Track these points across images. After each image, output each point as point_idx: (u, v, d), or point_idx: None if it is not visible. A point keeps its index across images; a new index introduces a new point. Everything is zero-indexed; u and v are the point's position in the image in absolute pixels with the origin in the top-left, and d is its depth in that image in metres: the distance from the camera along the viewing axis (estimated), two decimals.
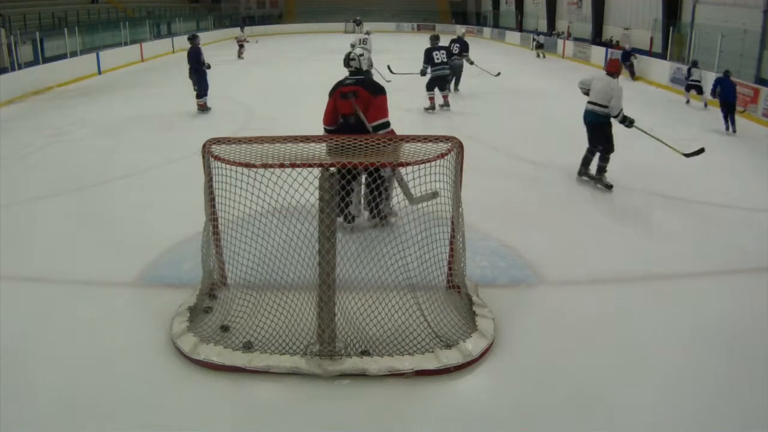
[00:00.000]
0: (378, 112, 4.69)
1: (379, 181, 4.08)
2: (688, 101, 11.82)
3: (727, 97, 9.35)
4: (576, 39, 21.97)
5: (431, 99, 10.03)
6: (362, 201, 5.02)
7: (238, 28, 24.25)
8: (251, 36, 24.26)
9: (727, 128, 9.30)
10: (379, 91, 4.76)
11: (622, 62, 14.31)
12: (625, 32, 20.42)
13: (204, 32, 27.91)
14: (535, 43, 21.65)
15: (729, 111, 9.32)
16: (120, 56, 17.86)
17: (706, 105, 11.30)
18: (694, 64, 11.69)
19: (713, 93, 9.75)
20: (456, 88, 11.90)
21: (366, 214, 4.99)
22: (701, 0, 15.46)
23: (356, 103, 4.64)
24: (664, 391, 3.05)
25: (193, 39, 9.92)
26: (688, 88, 11.69)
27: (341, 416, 2.89)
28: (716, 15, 14.41)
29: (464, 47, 11.61)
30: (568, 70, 17.49)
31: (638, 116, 6.19)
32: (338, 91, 4.73)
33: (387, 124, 4.74)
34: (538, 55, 21.20)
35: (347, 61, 4.95)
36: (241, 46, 20.09)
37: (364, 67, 4.96)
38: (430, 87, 9.95)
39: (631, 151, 7.94)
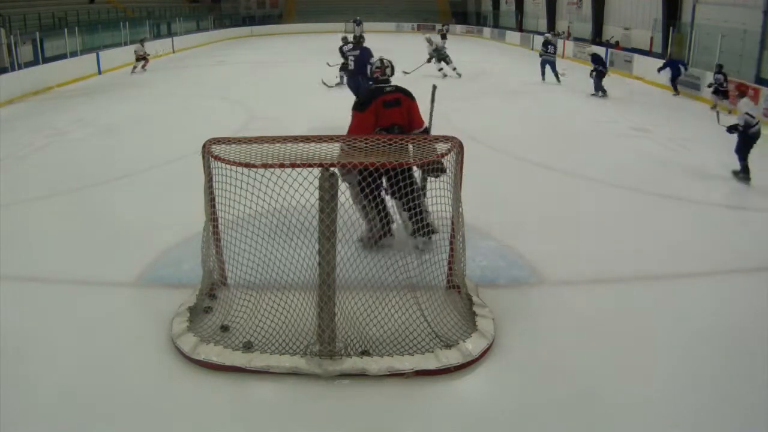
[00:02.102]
0: (420, 117, 4.53)
1: (410, 188, 3.74)
2: (714, 106, 10.70)
3: (675, 73, 12.63)
4: (576, 39, 21.96)
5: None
6: (396, 215, 4.54)
7: (235, 29, 22.68)
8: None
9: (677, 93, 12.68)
10: (413, 96, 4.54)
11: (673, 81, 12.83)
12: (625, 32, 20.41)
13: (204, 32, 27.99)
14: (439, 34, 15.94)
15: (675, 80, 12.72)
16: (120, 56, 17.83)
17: (730, 112, 10.57)
18: (720, 70, 10.93)
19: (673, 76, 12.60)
20: (557, 80, 14.01)
21: (407, 228, 4.42)
22: (701, 0, 15.45)
23: (399, 111, 4.39)
24: (664, 391, 3.05)
25: (360, 41, 8.84)
26: (717, 92, 10.91)
27: (341, 416, 2.90)
28: (716, 15, 14.39)
29: (554, 48, 14.26)
30: (567, 70, 17.48)
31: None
32: (380, 101, 4.34)
33: (427, 129, 4.62)
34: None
35: (392, 68, 4.56)
36: (139, 60, 16.42)
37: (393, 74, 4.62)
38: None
39: (625, 151, 7.97)
